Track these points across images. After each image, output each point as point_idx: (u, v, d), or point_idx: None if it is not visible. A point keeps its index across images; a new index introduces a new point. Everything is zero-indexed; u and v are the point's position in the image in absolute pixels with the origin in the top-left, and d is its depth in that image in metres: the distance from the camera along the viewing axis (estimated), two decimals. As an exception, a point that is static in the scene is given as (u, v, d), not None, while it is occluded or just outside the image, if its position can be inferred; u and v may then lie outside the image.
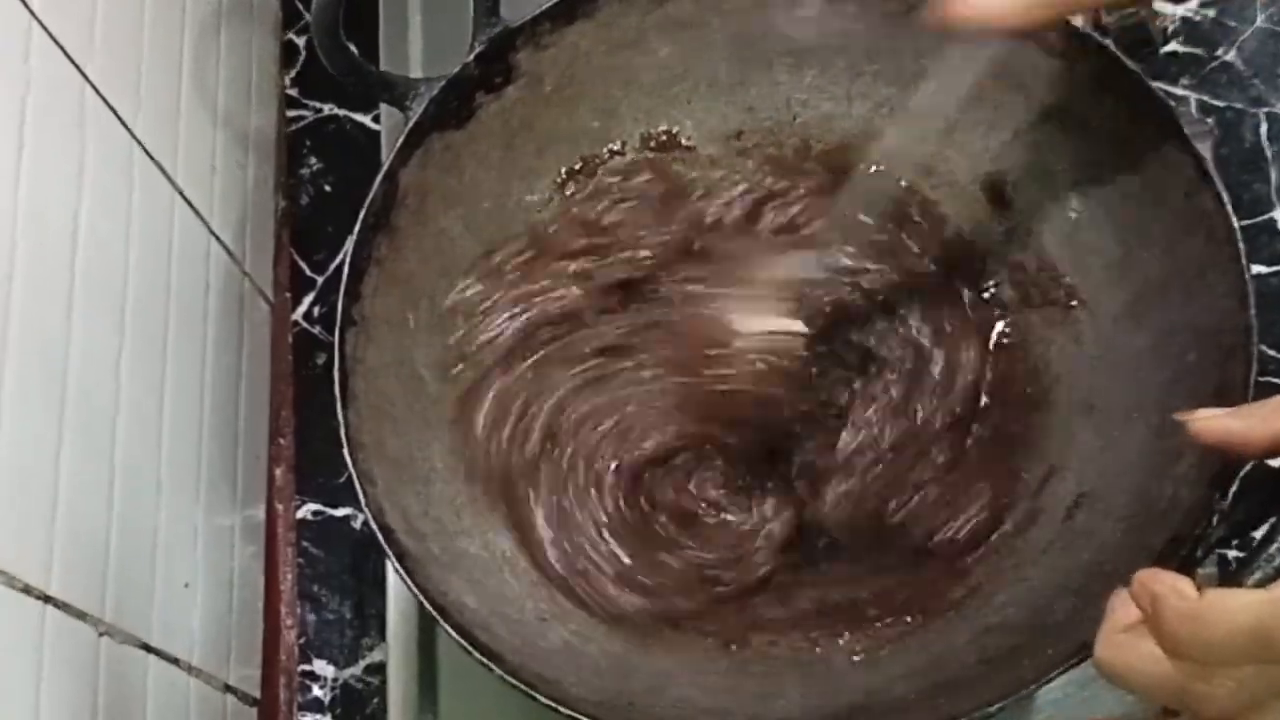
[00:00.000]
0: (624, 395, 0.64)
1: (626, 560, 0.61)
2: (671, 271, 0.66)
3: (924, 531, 0.62)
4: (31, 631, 0.48)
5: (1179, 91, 0.77)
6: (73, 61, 0.55)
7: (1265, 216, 0.75)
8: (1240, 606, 0.37)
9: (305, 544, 0.74)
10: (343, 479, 0.65)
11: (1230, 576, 0.42)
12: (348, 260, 0.58)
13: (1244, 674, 0.38)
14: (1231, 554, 0.60)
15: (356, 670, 0.72)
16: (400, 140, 0.60)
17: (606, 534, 0.62)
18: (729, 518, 0.63)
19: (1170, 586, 0.39)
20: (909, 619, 0.60)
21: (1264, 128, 0.76)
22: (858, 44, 0.65)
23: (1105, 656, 0.41)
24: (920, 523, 0.62)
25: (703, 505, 0.63)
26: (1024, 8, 0.48)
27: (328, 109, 0.82)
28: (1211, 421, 0.45)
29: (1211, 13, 0.78)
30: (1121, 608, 0.41)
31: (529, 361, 0.64)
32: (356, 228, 0.59)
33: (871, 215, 0.65)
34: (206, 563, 0.66)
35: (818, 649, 0.60)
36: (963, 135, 0.65)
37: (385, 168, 0.60)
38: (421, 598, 0.53)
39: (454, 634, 0.52)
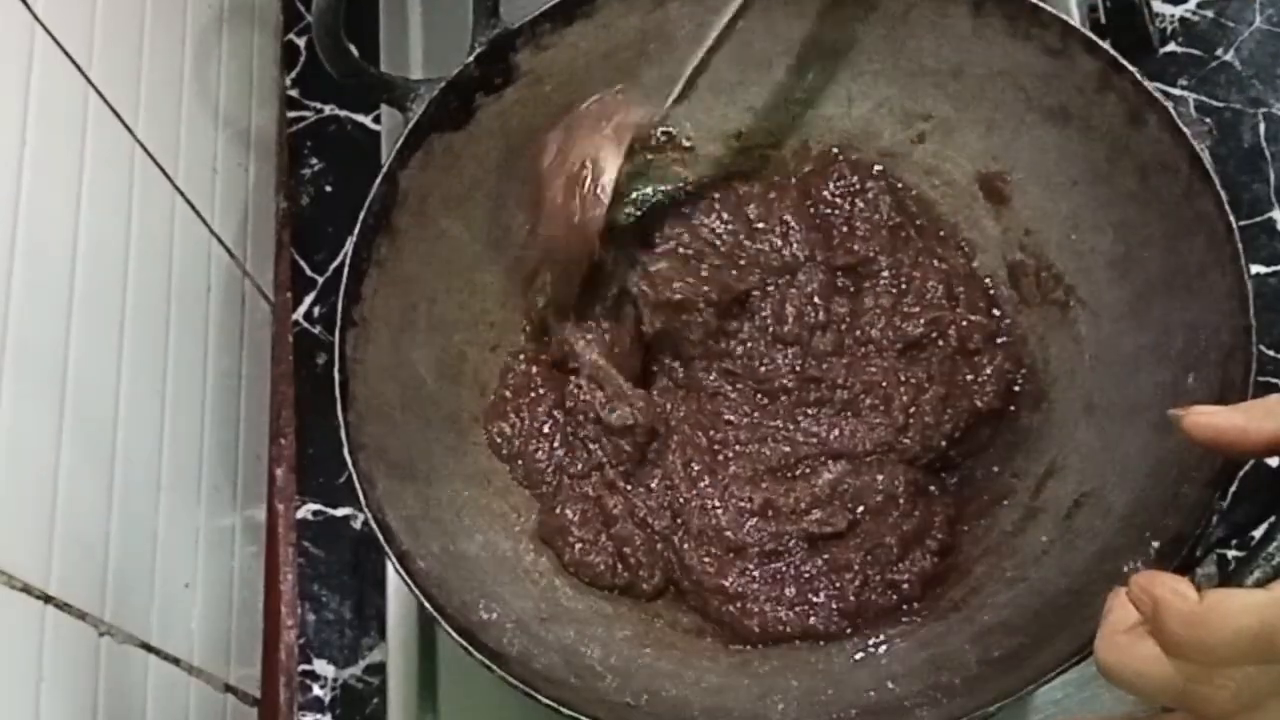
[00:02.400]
0: None
1: None
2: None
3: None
4: (32, 631, 0.48)
5: (1177, 92, 0.77)
6: (75, 63, 0.55)
7: (1264, 216, 0.75)
8: (1241, 608, 0.37)
9: (305, 544, 0.74)
10: (343, 479, 0.65)
11: (1230, 576, 0.42)
12: (348, 262, 0.58)
13: (1245, 674, 0.38)
14: (1231, 554, 0.60)
15: (356, 670, 0.72)
16: (400, 141, 0.60)
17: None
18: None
19: (1170, 589, 0.39)
20: (910, 619, 0.60)
21: (1262, 128, 0.76)
22: (858, 44, 0.65)
23: (1105, 658, 0.41)
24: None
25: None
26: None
27: (328, 110, 0.82)
28: (1204, 417, 0.45)
29: (1210, 13, 0.78)
30: (1120, 608, 0.41)
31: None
32: (356, 229, 0.59)
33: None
34: (207, 563, 0.66)
35: (818, 649, 0.60)
36: (962, 135, 0.65)
37: (385, 169, 0.60)
38: (421, 598, 0.53)
39: (454, 634, 0.52)
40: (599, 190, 0.59)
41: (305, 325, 0.79)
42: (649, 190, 0.68)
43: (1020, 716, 0.63)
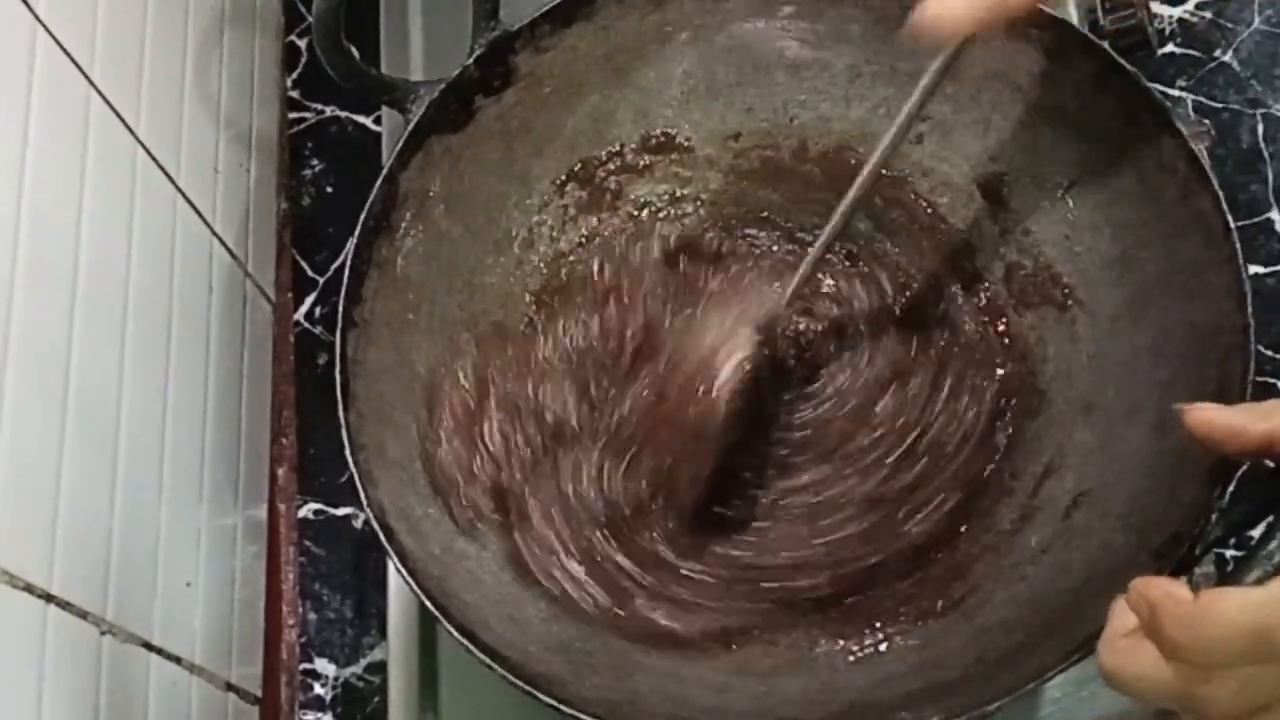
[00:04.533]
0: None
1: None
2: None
3: (922, 530, 0.62)
4: (33, 630, 0.48)
5: (1176, 93, 0.77)
6: (76, 64, 0.56)
7: (1262, 217, 0.75)
8: (1237, 607, 0.37)
9: (307, 543, 0.75)
10: (344, 479, 0.65)
11: (1229, 576, 0.42)
12: (348, 263, 0.59)
13: (1245, 675, 0.38)
14: (1229, 553, 0.60)
15: (358, 669, 0.72)
16: (400, 143, 0.60)
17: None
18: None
19: (1165, 592, 0.39)
20: (909, 618, 0.60)
21: (1260, 129, 0.76)
22: (856, 46, 0.66)
23: (1108, 663, 0.41)
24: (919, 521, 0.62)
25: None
26: (978, 13, 0.48)
27: (329, 111, 0.82)
28: (1205, 414, 0.46)
29: (1208, 14, 0.78)
30: (1122, 613, 0.41)
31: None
32: (357, 230, 0.59)
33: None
34: (208, 562, 0.66)
35: (818, 649, 0.60)
36: (960, 136, 0.65)
37: (385, 171, 0.60)
38: (423, 597, 0.53)
39: (455, 633, 0.52)
40: (716, 394, 0.59)
41: (306, 325, 0.79)
42: (646, 191, 0.69)
43: (1020, 716, 0.63)
